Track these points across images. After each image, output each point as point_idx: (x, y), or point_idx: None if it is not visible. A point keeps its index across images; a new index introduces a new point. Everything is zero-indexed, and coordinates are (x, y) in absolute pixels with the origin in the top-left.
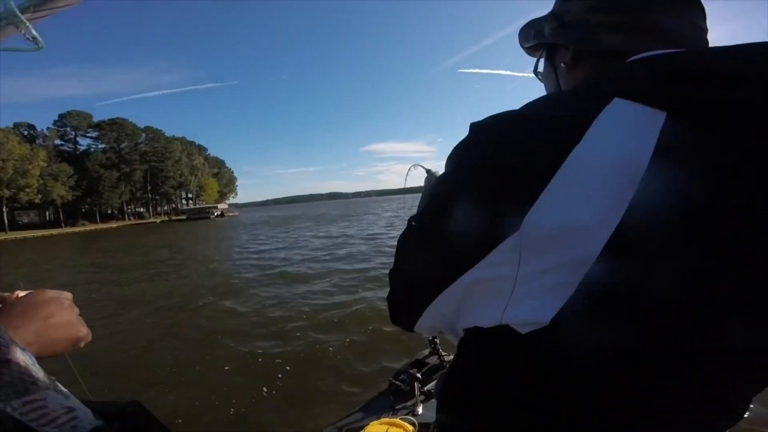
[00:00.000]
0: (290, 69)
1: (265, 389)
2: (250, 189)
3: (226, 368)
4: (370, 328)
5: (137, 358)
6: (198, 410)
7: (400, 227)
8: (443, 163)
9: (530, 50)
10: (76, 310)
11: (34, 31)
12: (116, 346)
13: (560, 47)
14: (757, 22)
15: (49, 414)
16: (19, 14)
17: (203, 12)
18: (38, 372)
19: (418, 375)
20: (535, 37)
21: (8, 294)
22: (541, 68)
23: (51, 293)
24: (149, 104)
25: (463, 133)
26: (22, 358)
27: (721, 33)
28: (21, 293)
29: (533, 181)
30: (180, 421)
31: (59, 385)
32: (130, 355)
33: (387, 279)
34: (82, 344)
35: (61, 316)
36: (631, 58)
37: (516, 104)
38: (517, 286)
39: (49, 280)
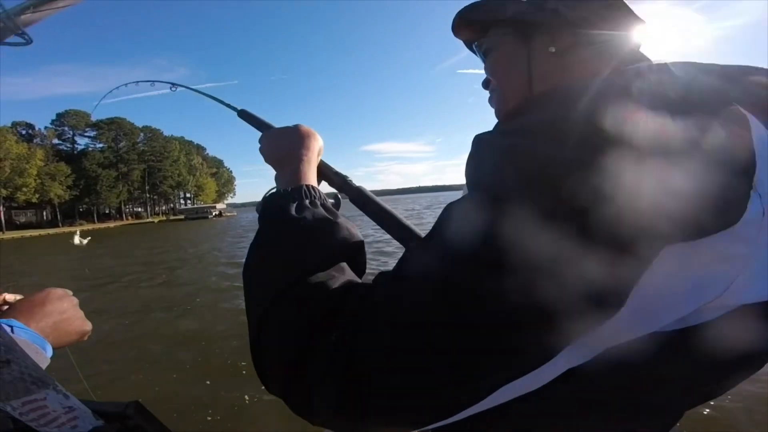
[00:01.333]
0: (290, 68)
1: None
2: (248, 189)
3: (222, 367)
4: None
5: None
6: (197, 409)
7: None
8: (444, 163)
9: (479, 27)
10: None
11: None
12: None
13: (543, 32)
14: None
15: (49, 414)
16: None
17: (204, 11)
18: (38, 372)
19: None
20: (516, 15)
21: None
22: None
23: (60, 291)
24: (148, 103)
25: (462, 133)
26: (23, 357)
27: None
28: (8, 296)
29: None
30: (179, 420)
31: (59, 385)
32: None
33: None
34: (86, 338)
35: (73, 312)
36: (666, 63)
37: None
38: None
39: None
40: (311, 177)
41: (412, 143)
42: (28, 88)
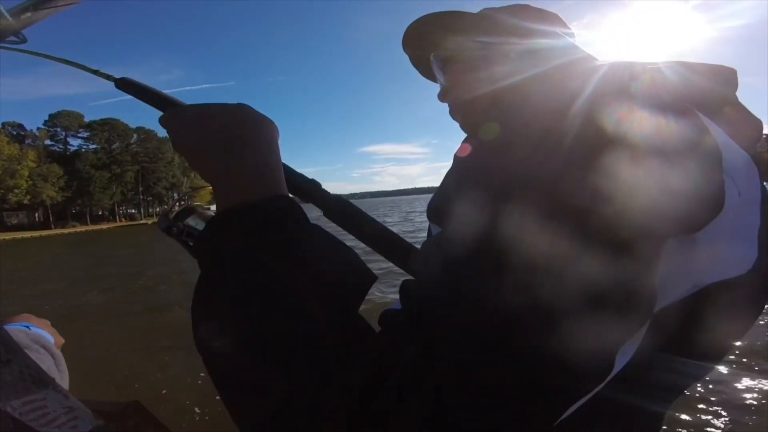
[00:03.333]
0: (288, 71)
1: None
2: None
3: None
4: None
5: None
6: (197, 408)
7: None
8: (439, 165)
9: (433, 39)
10: None
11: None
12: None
13: (503, 41)
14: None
15: (49, 414)
16: (7, 15)
17: (201, 12)
18: (38, 372)
19: None
20: (473, 24)
21: None
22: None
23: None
24: (144, 104)
25: (457, 135)
26: (23, 357)
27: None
28: None
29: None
30: (179, 420)
31: (59, 384)
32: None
33: None
34: (59, 349)
35: (51, 328)
36: (658, 64)
37: None
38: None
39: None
40: (284, 186)
41: (408, 145)
42: (21, 89)
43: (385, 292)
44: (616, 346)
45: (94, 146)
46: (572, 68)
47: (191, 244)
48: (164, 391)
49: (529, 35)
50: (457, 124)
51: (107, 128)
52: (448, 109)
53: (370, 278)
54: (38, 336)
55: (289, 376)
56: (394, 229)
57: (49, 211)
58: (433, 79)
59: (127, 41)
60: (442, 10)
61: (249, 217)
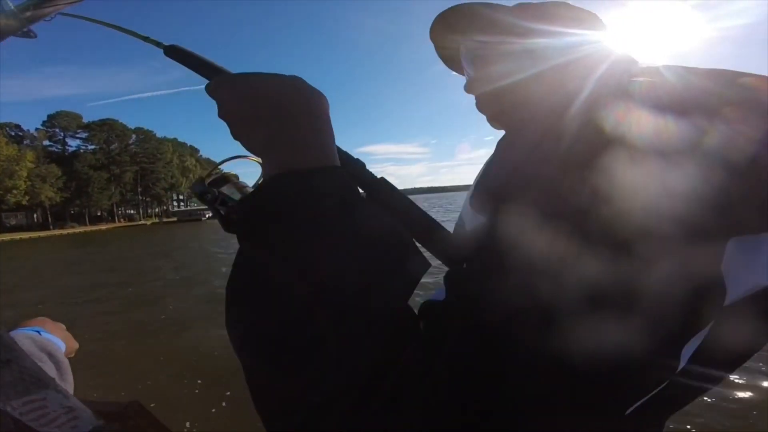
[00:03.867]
0: (285, 70)
1: None
2: None
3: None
4: None
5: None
6: (197, 409)
7: None
8: (438, 165)
9: (460, 32)
10: None
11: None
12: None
13: (529, 35)
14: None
15: (49, 414)
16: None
17: (200, 14)
18: (38, 372)
19: None
20: (501, 19)
21: None
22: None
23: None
24: (143, 105)
25: (456, 134)
26: (23, 357)
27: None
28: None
29: None
30: (179, 420)
31: (59, 384)
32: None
33: None
34: (73, 354)
35: (66, 332)
36: (657, 67)
37: None
38: None
39: None
40: (336, 158)
41: (407, 145)
42: (20, 90)
43: None
44: (683, 342)
45: (92, 147)
46: (594, 66)
47: (223, 213)
48: (164, 391)
49: (561, 34)
50: (455, 124)
51: (106, 129)
52: (442, 109)
53: (417, 268)
54: (46, 343)
55: (282, 377)
56: None
57: (48, 212)
58: (459, 70)
59: (125, 42)
60: (445, 8)
61: (292, 191)
